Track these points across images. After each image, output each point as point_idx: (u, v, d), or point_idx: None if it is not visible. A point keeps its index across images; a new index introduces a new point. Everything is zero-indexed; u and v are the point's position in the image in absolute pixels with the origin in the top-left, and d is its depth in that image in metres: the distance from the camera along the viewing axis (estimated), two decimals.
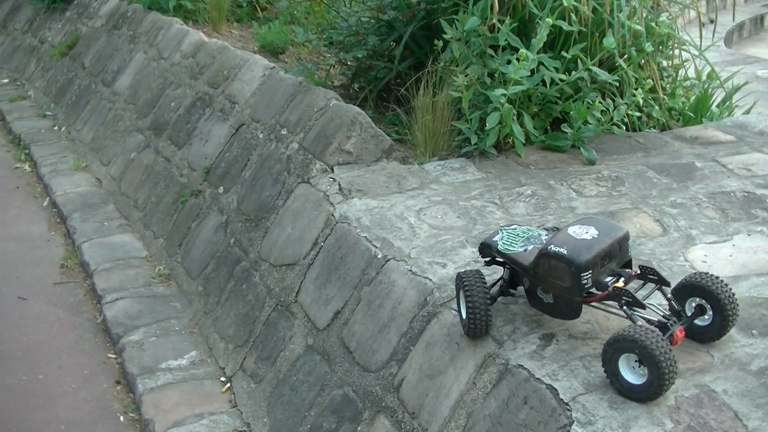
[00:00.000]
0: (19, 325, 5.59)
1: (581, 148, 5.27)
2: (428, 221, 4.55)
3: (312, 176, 5.17)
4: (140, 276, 5.98)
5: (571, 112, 5.33)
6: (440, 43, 5.52)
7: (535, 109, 5.37)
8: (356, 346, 4.21)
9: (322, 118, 5.41)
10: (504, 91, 4.98)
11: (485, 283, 3.47)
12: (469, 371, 3.56)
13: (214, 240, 5.70)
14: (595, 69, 5.28)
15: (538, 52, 5.06)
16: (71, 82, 9.51)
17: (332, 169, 5.16)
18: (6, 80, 11.05)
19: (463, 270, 3.61)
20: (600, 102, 5.37)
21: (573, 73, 5.20)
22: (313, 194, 5.06)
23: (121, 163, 7.41)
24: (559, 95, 5.35)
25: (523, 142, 5.22)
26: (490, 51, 5.27)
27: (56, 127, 8.99)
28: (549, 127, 5.49)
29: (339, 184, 5.00)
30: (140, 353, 5.12)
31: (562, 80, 5.22)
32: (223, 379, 4.94)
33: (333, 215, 4.79)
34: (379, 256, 4.31)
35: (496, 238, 3.62)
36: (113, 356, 5.29)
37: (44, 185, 7.67)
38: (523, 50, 4.98)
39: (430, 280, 4.00)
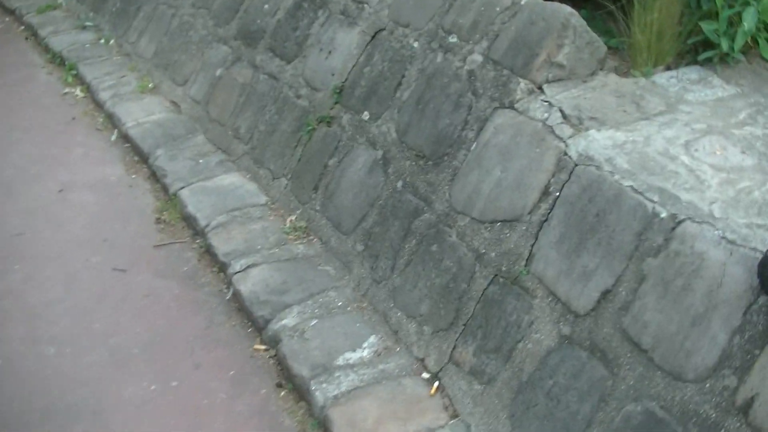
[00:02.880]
0: (125, 310, 4.32)
1: None
2: (706, 160, 3.34)
3: (517, 99, 3.87)
4: (269, 232, 4.68)
5: None
6: None
7: None
8: (653, 343, 3.00)
9: (513, 21, 4.06)
10: None
11: None
12: None
13: (369, 183, 4.39)
14: None
15: None
16: None
17: (541, 89, 3.87)
18: None
19: None
20: None
21: None
22: (525, 124, 3.76)
23: (204, 82, 6.01)
24: None
25: None
26: None
27: (102, 41, 7.49)
28: None
29: (561, 110, 3.72)
30: (303, 344, 3.88)
31: None
32: (426, 375, 3.72)
33: (567, 154, 3.52)
34: (663, 216, 3.07)
35: None
36: (262, 347, 4.06)
37: (107, 114, 6.26)
38: None
39: (761, 252, 2.76)
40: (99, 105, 6.40)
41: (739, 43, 3.96)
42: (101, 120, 6.26)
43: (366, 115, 4.59)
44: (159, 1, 7.00)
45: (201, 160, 5.41)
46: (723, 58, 4.10)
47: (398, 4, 4.73)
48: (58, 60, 7.31)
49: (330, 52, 5.02)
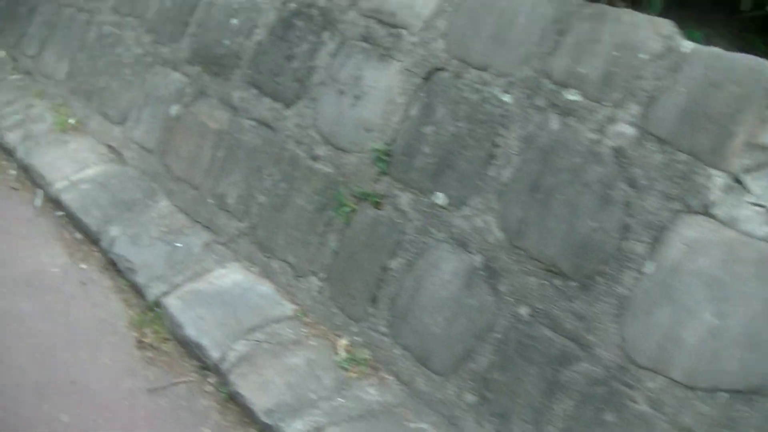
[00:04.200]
0: None
1: None
2: None
3: (712, 201, 2.66)
4: (318, 367, 3.38)
5: None
6: None
7: None
8: None
9: (677, 78, 2.84)
10: None
11: None
12: None
13: (469, 303, 3.13)
14: None
15: None
16: None
17: (741, 184, 2.65)
18: None
19: None
20: None
21: None
22: (741, 244, 2.61)
23: (154, 122, 4.56)
24: None
25: None
26: None
27: None
28: None
29: None
30: None
31: None
32: None
33: None
34: None
35: None
36: None
37: (21, 166, 4.73)
38: None
39: None
40: (7, 151, 4.83)
41: None
42: (13, 173, 4.72)
43: (441, 199, 3.31)
44: (62, 2, 5.38)
45: (178, 243, 4.01)
46: None
47: (460, 32, 3.43)
48: None
49: (357, 97, 3.68)
